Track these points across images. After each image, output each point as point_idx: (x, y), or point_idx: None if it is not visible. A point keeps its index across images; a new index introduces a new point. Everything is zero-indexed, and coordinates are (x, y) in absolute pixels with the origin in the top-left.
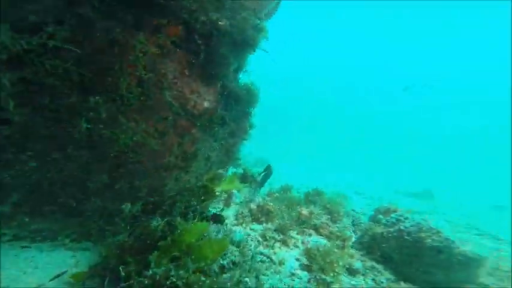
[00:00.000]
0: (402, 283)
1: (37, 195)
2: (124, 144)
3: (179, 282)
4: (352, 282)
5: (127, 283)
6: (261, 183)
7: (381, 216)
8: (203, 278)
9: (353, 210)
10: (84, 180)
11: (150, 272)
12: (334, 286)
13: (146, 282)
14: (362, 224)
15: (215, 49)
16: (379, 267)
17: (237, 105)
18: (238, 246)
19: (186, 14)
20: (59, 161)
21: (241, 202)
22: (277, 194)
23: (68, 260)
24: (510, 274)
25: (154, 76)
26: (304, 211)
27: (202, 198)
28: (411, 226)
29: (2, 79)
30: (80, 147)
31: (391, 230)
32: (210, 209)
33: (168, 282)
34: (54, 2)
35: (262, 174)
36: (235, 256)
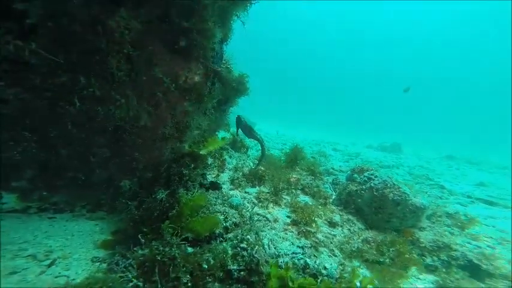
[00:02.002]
0: (370, 231)
1: (49, 171)
2: (120, 119)
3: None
4: (332, 232)
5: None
6: (250, 130)
7: (355, 175)
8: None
9: (332, 168)
10: (87, 155)
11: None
12: (317, 235)
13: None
14: (340, 183)
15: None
16: (353, 219)
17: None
18: (236, 209)
19: None
20: (61, 138)
21: (234, 167)
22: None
23: (93, 228)
24: (440, 219)
25: (142, 53)
26: (293, 177)
27: (192, 166)
28: (379, 183)
29: None
30: (79, 124)
31: (363, 187)
32: (207, 176)
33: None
34: None
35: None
36: (235, 218)
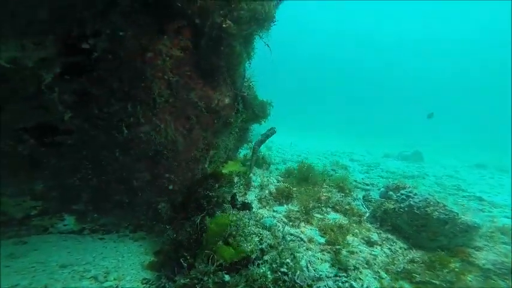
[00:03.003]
0: (414, 250)
1: (98, 195)
2: (159, 143)
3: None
4: (373, 252)
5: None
6: (261, 141)
7: (391, 193)
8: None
9: (355, 181)
10: (131, 179)
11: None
12: (358, 255)
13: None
14: (372, 199)
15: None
16: (393, 237)
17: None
18: (269, 230)
19: (196, 17)
20: (110, 164)
21: (259, 185)
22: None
23: (138, 249)
24: (494, 235)
25: (181, 78)
26: (323, 195)
27: (217, 185)
28: (420, 201)
29: (55, 92)
30: (124, 150)
31: (402, 205)
32: (235, 194)
33: None
34: (91, 12)
35: (265, 133)
36: (270, 240)
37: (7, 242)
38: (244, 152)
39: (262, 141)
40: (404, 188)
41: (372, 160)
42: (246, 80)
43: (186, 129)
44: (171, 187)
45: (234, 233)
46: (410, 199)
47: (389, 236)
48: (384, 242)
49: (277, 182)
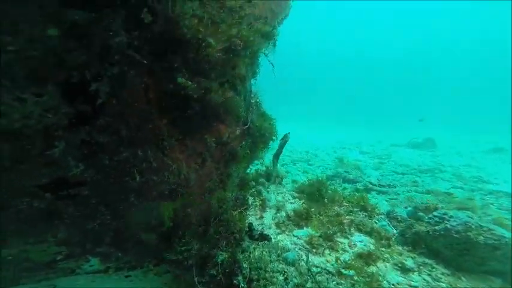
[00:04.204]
0: (460, 276)
1: (119, 236)
2: (173, 183)
3: None
4: (413, 283)
5: None
6: (278, 154)
7: (421, 214)
8: None
9: (370, 183)
10: (149, 219)
11: None
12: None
13: None
14: (399, 217)
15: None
16: (431, 262)
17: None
18: (294, 265)
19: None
20: (126, 208)
21: (275, 205)
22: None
23: (161, 286)
24: None
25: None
26: (346, 219)
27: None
28: (458, 225)
29: (60, 144)
30: (140, 194)
31: (437, 228)
32: (249, 216)
33: None
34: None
35: (280, 143)
36: (296, 278)
37: (38, 286)
38: (256, 168)
39: (279, 154)
40: (436, 209)
41: (381, 151)
42: (253, 95)
43: (198, 164)
44: (187, 220)
45: (256, 277)
46: (446, 222)
47: (426, 260)
48: (421, 267)
49: (293, 199)
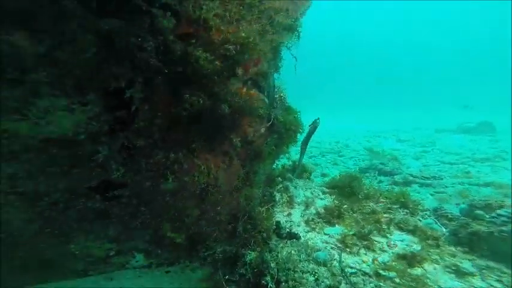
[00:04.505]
0: None
1: (157, 234)
2: (204, 182)
3: None
4: None
5: None
6: (306, 142)
7: (479, 212)
8: None
9: (411, 175)
10: (182, 217)
11: None
12: None
13: None
14: (449, 214)
15: None
16: (497, 266)
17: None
18: (325, 265)
19: None
20: (162, 208)
21: (304, 202)
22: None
23: (197, 281)
24: None
25: (216, 117)
26: (384, 217)
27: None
28: None
29: (104, 149)
30: (174, 194)
31: (505, 229)
32: (276, 213)
33: None
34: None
35: (308, 130)
36: (328, 279)
37: (99, 277)
38: (283, 162)
39: (307, 142)
40: (501, 207)
41: (423, 138)
42: (277, 90)
43: (225, 164)
44: (218, 218)
45: (285, 278)
46: None
47: (491, 263)
48: (484, 271)
49: (323, 194)
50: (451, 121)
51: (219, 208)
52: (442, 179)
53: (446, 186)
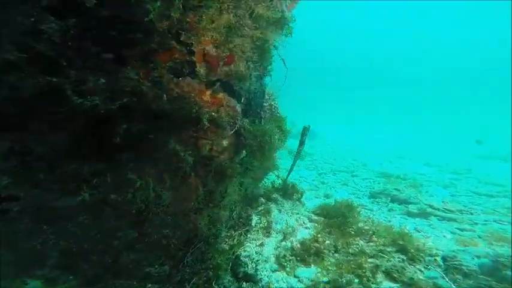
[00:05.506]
0: None
1: (72, 256)
2: (141, 201)
3: None
4: None
5: None
6: (295, 158)
7: (510, 273)
8: None
9: (431, 206)
10: (110, 239)
11: None
12: None
13: None
14: (464, 267)
15: None
16: None
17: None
18: None
19: None
20: (78, 226)
21: (283, 230)
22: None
23: None
24: None
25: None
26: (368, 262)
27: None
28: None
29: None
30: (94, 212)
31: None
32: (247, 241)
33: None
34: None
35: (300, 141)
36: None
37: None
38: (272, 179)
39: (296, 158)
40: None
41: (459, 163)
42: (267, 96)
43: (175, 181)
44: (165, 242)
45: None
46: None
47: None
48: None
49: (309, 222)
50: (502, 145)
51: (166, 231)
52: (472, 213)
53: (475, 223)
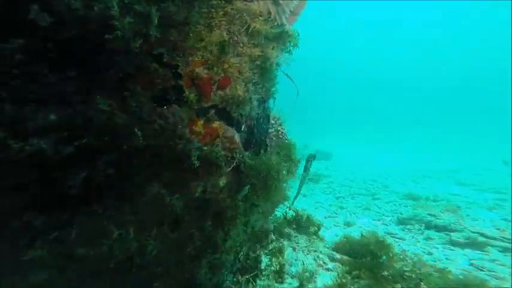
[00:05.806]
0: None
1: None
2: (121, 253)
3: None
4: None
5: None
6: (300, 186)
7: None
8: None
9: (481, 233)
10: None
11: None
12: None
13: None
14: None
15: None
16: None
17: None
18: None
19: None
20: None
21: (299, 274)
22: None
23: None
24: None
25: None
26: None
27: None
28: None
29: None
30: (60, 269)
31: None
32: None
33: None
34: None
35: (304, 168)
36: None
37: None
38: (283, 210)
39: (300, 186)
40: None
41: (496, 180)
42: (274, 120)
43: (162, 228)
44: None
45: None
46: None
47: None
48: None
49: (331, 262)
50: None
51: (156, 285)
52: None
53: None
